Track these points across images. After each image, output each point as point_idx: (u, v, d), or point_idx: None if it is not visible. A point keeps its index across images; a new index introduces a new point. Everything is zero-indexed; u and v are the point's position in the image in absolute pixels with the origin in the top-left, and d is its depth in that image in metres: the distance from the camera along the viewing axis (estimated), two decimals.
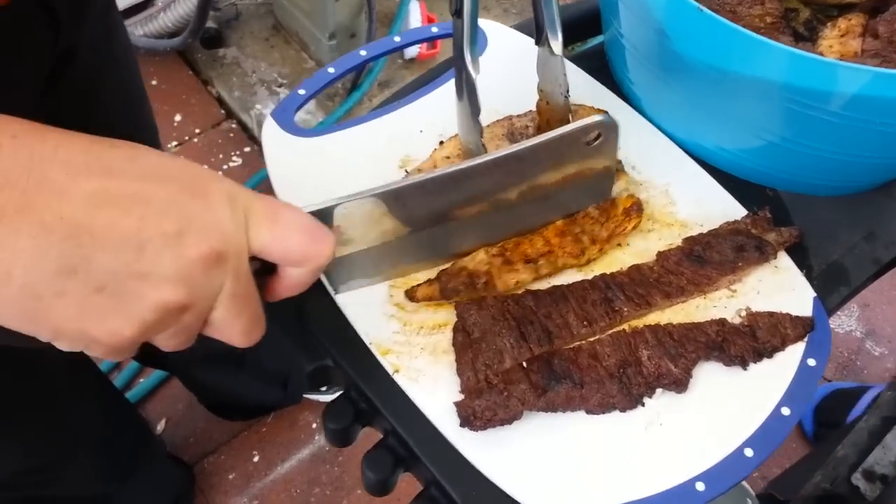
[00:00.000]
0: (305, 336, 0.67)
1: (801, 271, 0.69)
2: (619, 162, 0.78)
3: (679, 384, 0.61)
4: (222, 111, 1.98)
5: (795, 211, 0.75)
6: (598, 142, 0.65)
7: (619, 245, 0.71)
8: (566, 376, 0.61)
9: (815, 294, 0.66)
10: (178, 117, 1.97)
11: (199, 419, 1.53)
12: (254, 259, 0.39)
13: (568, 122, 0.72)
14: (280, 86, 1.98)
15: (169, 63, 2.01)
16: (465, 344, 0.63)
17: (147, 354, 1.19)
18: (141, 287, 0.33)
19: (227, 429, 1.54)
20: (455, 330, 0.64)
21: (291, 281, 0.43)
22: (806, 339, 0.65)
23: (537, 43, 0.68)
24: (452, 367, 0.63)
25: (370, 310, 0.67)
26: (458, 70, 0.64)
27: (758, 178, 0.75)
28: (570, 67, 0.81)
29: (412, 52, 1.88)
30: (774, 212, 0.72)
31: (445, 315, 0.67)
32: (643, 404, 0.61)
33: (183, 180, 0.35)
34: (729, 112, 0.67)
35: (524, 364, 0.62)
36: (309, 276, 0.43)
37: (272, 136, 0.77)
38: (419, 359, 0.64)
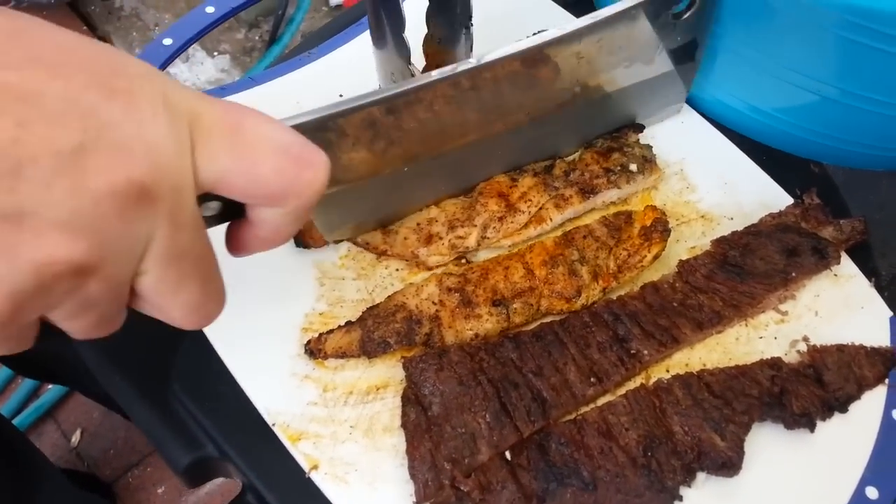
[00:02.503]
0: (174, 411, 0.45)
1: (869, 280, 0.51)
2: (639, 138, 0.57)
3: (729, 466, 0.42)
4: None
5: (850, 193, 0.57)
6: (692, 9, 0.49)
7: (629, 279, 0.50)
8: (571, 472, 0.40)
9: (891, 312, 0.48)
10: None
11: (120, 427, 1.31)
12: (206, 197, 0.28)
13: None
14: None
15: (59, 18, 1.74)
16: (420, 425, 0.41)
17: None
18: (15, 234, 0.23)
19: None
20: (405, 401, 0.43)
21: (267, 228, 0.31)
22: (887, 381, 0.47)
23: None
24: (398, 454, 0.42)
25: (272, 367, 0.45)
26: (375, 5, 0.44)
27: (801, 148, 0.57)
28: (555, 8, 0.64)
29: None
30: (823, 195, 0.53)
31: (385, 371, 0.46)
32: (680, 498, 0.42)
33: (93, 70, 0.24)
34: (771, 55, 0.52)
35: (507, 455, 0.41)
36: (292, 219, 0.31)
37: None
38: (348, 444, 0.43)
